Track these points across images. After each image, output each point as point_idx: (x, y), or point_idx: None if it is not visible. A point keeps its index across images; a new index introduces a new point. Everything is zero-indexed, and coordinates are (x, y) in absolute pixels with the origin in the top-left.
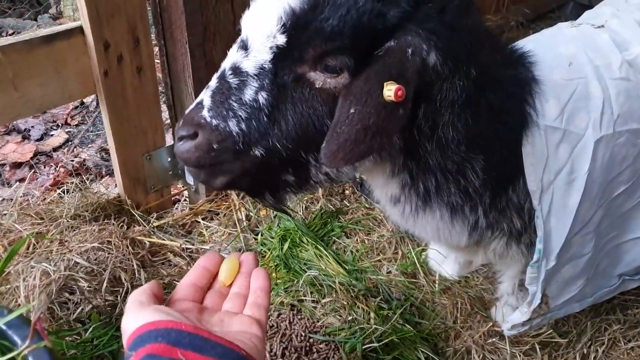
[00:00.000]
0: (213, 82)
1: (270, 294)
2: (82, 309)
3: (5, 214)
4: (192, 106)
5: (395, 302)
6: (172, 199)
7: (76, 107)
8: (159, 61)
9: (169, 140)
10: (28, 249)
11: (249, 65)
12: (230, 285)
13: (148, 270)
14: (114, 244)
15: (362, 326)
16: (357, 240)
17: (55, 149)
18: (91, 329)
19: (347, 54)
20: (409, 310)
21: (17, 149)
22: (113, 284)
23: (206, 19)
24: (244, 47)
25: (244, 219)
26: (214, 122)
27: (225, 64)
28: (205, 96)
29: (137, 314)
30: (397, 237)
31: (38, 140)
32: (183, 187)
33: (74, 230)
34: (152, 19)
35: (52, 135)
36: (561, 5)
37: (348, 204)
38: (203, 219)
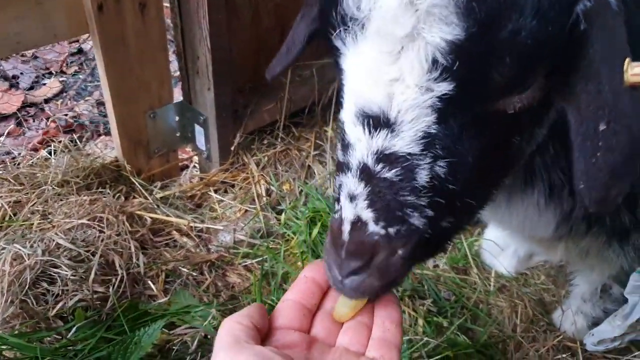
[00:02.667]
0: (357, 188)
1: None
2: (65, 304)
3: None
4: (346, 228)
5: (446, 305)
6: (180, 164)
7: (73, 54)
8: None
9: (177, 95)
10: (3, 220)
11: (406, 142)
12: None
13: (149, 253)
14: (107, 220)
15: (409, 337)
16: None
17: (47, 101)
18: (75, 328)
19: (552, 56)
20: (460, 313)
21: (2, 97)
22: (105, 270)
23: None
24: (382, 123)
25: (263, 193)
26: (392, 230)
27: (357, 158)
28: (359, 210)
29: (232, 359)
30: None
31: (28, 89)
32: (193, 152)
33: (61, 200)
34: None
35: (44, 84)
36: None
37: None
38: (215, 191)
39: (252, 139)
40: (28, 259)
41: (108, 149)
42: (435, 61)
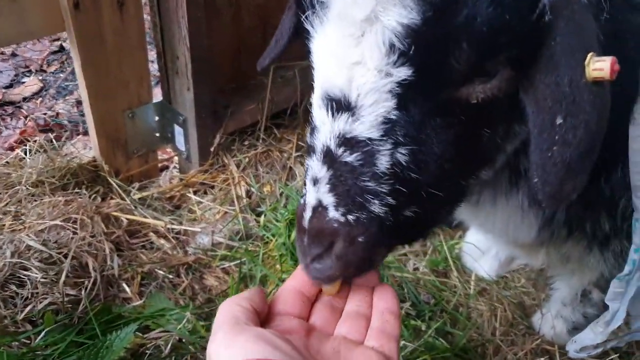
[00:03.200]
0: (320, 172)
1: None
2: (34, 307)
3: None
4: (307, 214)
5: (425, 308)
6: (160, 165)
7: (55, 52)
8: None
9: (157, 95)
10: None
11: (366, 127)
12: (341, 297)
13: (124, 255)
14: (82, 221)
15: None
16: None
17: (26, 99)
18: (44, 332)
19: (513, 44)
20: (439, 316)
21: None
22: (78, 273)
23: None
24: (344, 106)
25: (243, 195)
26: (351, 217)
27: (321, 141)
28: (321, 194)
29: (232, 340)
30: None
31: (6, 88)
32: (173, 152)
33: (35, 201)
34: None
35: (23, 82)
36: None
37: None
38: (195, 193)
39: (232, 139)
40: None
41: (87, 149)
42: (392, 45)
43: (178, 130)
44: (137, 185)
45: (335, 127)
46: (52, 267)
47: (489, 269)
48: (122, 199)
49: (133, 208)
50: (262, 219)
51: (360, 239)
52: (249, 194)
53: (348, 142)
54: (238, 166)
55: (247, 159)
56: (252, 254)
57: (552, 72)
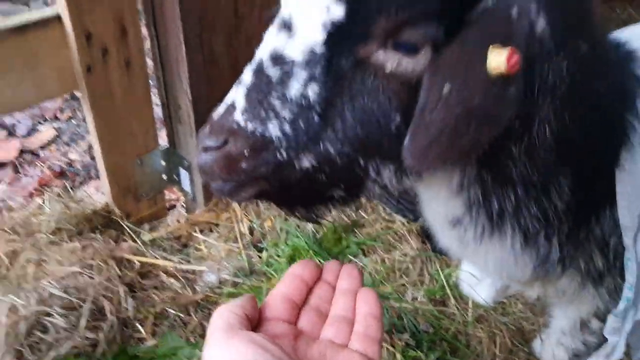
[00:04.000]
0: (247, 76)
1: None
2: (58, 352)
3: None
4: (220, 109)
5: (424, 338)
6: (168, 204)
7: (67, 100)
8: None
9: (162, 140)
10: None
11: (295, 50)
12: (326, 301)
13: (137, 296)
14: (97, 267)
15: None
16: (376, 259)
17: (42, 147)
18: None
19: (435, 20)
20: (438, 345)
21: (1, 146)
22: (95, 316)
23: (203, 5)
24: (287, 27)
25: (246, 232)
26: (250, 126)
27: (262, 53)
28: (238, 95)
29: (226, 344)
30: (423, 256)
31: (24, 136)
32: (180, 193)
33: (55, 246)
34: (142, 5)
35: (39, 130)
36: None
37: (365, 215)
38: (201, 231)
39: None
40: (23, 310)
41: (99, 193)
42: None
43: (184, 173)
44: (147, 226)
45: (273, 42)
46: (72, 312)
47: (486, 295)
48: (134, 241)
49: (144, 250)
50: (264, 254)
51: (246, 152)
52: (251, 230)
53: (277, 58)
54: (240, 204)
55: None
56: (256, 289)
57: (457, 53)
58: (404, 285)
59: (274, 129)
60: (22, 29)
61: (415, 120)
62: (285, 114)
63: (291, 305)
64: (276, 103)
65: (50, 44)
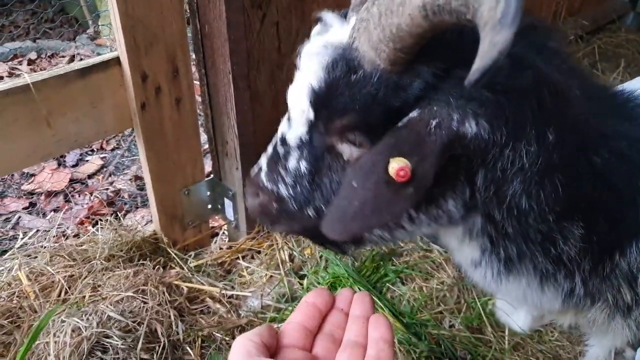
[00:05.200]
0: (269, 149)
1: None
2: None
3: (36, 257)
4: (255, 168)
5: None
6: (211, 232)
7: None
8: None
9: (207, 169)
10: (60, 294)
11: (291, 136)
12: (340, 327)
13: (186, 320)
14: (150, 292)
15: None
16: (414, 287)
17: (90, 176)
18: None
19: (361, 129)
20: None
21: (52, 176)
22: (149, 338)
23: (250, 45)
24: (289, 119)
25: (287, 259)
26: (269, 186)
27: (278, 133)
28: (263, 161)
29: None
30: (460, 284)
31: (73, 166)
32: (223, 221)
33: (109, 272)
34: (193, 46)
35: (87, 160)
36: (621, 16)
37: (402, 245)
38: (243, 258)
39: None
40: (85, 331)
41: (145, 220)
42: (308, 94)
43: (227, 202)
44: (192, 253)
45: (282, 128)
46: (129, 335)
47: (522, 323)
48: (181, 267)
49: (191, 276)
50: (305, 281)
51: (274, 205)
52: (291, 258)
53: (283, 140)
54: (281, 233)
55: None
56: None
57: (369, 155)
58: (441, 312)
59: (283, 190)
60: (86, 71)
61: (335, 200)
62: (288, 180)
63: (306, 333)
64: (282, 172)
65: (109, 84)
